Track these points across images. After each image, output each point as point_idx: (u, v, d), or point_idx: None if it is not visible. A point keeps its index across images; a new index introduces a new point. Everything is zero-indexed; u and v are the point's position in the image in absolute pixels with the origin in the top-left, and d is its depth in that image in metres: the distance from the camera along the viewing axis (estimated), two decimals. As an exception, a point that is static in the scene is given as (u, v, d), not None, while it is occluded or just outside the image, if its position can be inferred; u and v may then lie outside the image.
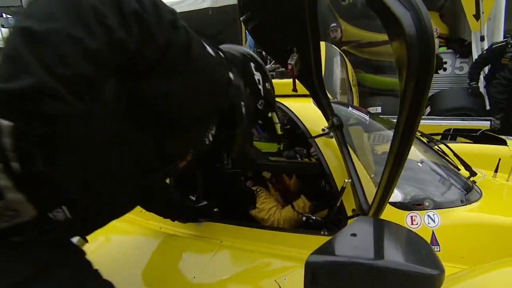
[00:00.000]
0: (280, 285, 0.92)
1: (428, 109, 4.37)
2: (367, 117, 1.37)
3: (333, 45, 2.48)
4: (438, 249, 1.11)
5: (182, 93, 0.57)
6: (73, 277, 0.59)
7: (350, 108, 1.42)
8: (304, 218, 1.35)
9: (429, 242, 1.13)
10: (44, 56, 0.42)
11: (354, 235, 0.60)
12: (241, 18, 1.00)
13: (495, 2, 4.08)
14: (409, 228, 1.12)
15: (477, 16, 4.23)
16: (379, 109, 4.36)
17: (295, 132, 1.66)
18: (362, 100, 4.35)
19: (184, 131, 0.67)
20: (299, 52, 1.02)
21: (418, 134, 1.79)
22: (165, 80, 0.54)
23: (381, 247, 0.57)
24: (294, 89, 1.13)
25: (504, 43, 3.73)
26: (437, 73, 4.54)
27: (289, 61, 1.02)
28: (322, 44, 2.36)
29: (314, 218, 1.32)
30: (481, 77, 4.15)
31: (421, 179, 1.32)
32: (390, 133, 1.45)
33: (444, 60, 4.87)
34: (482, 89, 4.14)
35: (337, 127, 1.09)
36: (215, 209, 1.34)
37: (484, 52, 3.94)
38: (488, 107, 4.08)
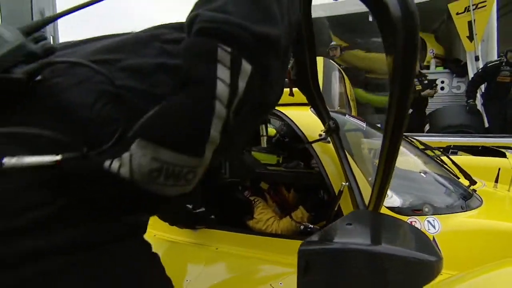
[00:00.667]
0: (276, 290, 0.88)
1: (427, 127, 4.41)
2: (364, 124, 1.38)
3: (331, 61, 2.53)
4: (440, 256, 1.08)
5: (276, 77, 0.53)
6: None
7: (347, 116, 1.43)
8: (302, 227, 1.32)
9: (430, 249, 1.10)
10: (283, 9, 0.43)
11: (349, 224, 0.58)
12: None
13: (487, 24, 4.24)
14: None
15: (470, 38, 4.38)
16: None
17: (295, 146, 1.67)
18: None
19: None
20: (295, 56, 1.04)
21: (419, 145, 1.80)
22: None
23: (378, 235, 0.56)
24: (291, 94, 1.15)
25: (498, 62, 3.83)
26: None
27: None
28: (321, 59, 2.43)
29: (312, 226, 1.30)
30: (478, 95, 4.23)
31: (421, 187, 1.30)
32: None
33: (441, 80, 4.99)
34: (479, 107, 4.20)
35: (333, 130, 1.10)
36: (211, 216, 1.32)
37: (480, 70, 4.04)
38: (487, 125, 4.12)
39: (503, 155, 2.01)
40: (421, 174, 1.38)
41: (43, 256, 0.37)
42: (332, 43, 5.03)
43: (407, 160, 1.50)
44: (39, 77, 0.41)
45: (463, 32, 4.42)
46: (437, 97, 4.78)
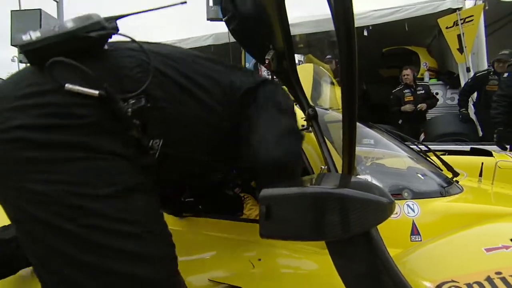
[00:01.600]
0: (253, 264, 0.91)
1: (422, 136, 4.46)
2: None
3: (321, 67, 2.64)
4: (419, 239, 1.10)
5: None
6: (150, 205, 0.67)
7: (330, 111, 1.50)
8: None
9: (409, 231, 1.13)
10: None
11: (311, 179, 0.63)
12: (223, 19, 1.13)
13: (475, 37, 4.39)
14: (389, 218, 1.13)
15: (460, 50, 4.53)
16: (372, 141, 4.45)
17: None
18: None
19: None
20: (275, 49, 1.12)
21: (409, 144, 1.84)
22: None
23: (337, 183, 0.60)
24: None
25: (486, 71, 3.94)
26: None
27: (266, 57, 1.12)
28: (311, 66, 2.53)
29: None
30: (471, 104, 4.31)
31: (402, 175, 1.35)
32: (372, 132, 1.52)
33: (435, 92, 5.09)
34: (472, 116, 4.27)
35: (313, 117, 1.16)
36: (199, 207, 1.36)
37: (469, 80, 4.14)
38: (481, 133, 4.16)
39: (490, 154, 2.05)
40: (404, 165, 1.42)
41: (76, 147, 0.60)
42: (328, 56, 5.18)
43: (392, 153, 1.55)
44: (106, 47, 0.67)
45: (453, 45, 4.57)
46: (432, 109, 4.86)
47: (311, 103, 1.29)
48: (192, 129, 0.76)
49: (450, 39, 4.58)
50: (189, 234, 1.13)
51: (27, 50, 0.61)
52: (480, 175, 1.65)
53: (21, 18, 5.15)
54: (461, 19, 4.40)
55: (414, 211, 1.14)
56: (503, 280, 0.55)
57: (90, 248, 0.58)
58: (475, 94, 4.25)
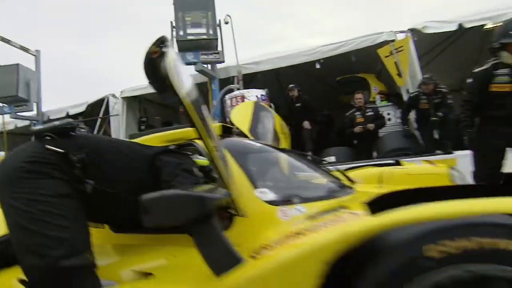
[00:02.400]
0: (168, 260, 1.23)
1: (374, 153, 4.93)
2: (258, 144, 1.84)
3: (262, 103, 3.09)
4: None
5: None
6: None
7: (246, 140, 1.89)
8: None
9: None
10: None
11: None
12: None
13: (408, 63, 5.07)
14: (281, 219, 1.47)
15: (399, 75, 5.17)
16: (332, 158, 4.89)
17: None
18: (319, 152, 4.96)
19: None
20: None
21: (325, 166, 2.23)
22: None
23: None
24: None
25: (417, 93, 4.55)
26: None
27: (180, 109, 1.53)
28: (251, 103, 2.96)
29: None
30: (413, 120, 4.87)
31: (298, 186, 1.71)
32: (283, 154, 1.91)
33: (387, 112, 5.67)
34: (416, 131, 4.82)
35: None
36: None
37: (406, 100, 4.74)
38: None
39: (399, 164, 2.48)
40: (304, 178, 1.80)
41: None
42: (291, 85, 5.76)
43: (298, 169, 1.93)
44: (74, 133, 1.29)
45: (392, 71, 5.24)
46: (385, 127, 5.40)
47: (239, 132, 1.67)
48: (117, 177, 1.27)
49: (389, 66, 5.25)
50: (121, 246, 1.45)
51: (35, 133, 1.22)
52: (381, 182, 2.05)
53: (0, 73, 5.53)
54: (395, 49, 5.09)
55: (301, 212, 1.49)
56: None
57: (34, 220, 1.06)
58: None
